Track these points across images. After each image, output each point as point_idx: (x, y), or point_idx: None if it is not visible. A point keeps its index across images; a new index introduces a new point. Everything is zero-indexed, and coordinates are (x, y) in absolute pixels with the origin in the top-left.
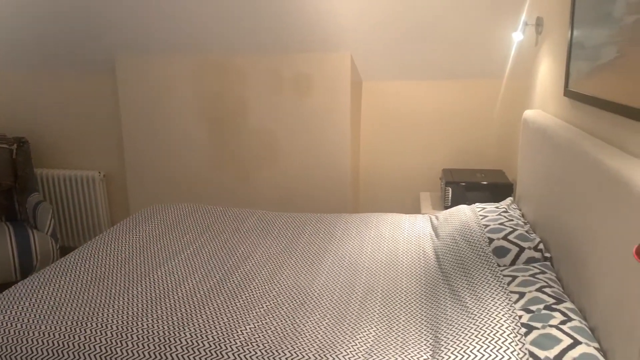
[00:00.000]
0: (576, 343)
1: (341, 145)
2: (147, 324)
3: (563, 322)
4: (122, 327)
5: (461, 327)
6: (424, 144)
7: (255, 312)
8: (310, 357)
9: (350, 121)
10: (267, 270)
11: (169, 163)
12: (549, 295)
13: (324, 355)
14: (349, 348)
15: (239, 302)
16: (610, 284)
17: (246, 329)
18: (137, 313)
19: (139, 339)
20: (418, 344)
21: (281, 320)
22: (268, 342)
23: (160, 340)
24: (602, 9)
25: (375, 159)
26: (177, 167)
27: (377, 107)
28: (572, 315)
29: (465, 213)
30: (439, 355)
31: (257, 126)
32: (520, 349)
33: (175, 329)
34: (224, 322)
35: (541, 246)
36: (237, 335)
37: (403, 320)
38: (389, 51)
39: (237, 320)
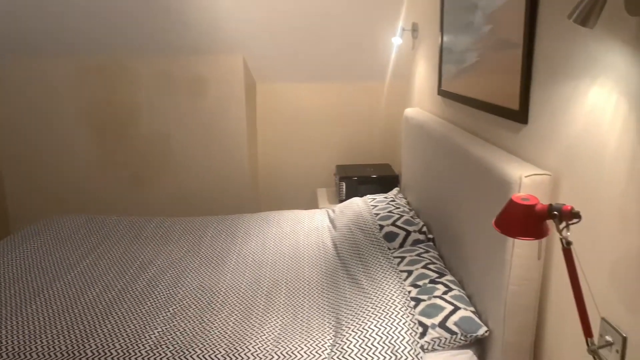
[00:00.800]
0: (456, 309)
1: (238, 146)
2: (46, 341)
3: (445, 293)
4: (17, 347)
5: (359, 307)
6: (318, 142)
7: (163, 316)
8: (220, 352)
9: (247, 122)
10: (170, 275)
11: (55, 172)
12: (433, 271)
13: (234, 348)
14: (258, 339)
15: (145, 308)
16: (481, 256)
17: (154, 333)
18: (34, 331)
19: (38, 356)
20: (322, 328)
21: (189, 321)
22: (178, 343)
23: (62, 356)
24: (464, 19)
25: (273, 159)
26: (64, 176)
27: (272, 108)
28: (452, 286)
29: (358, 204)
30: (341, 335)
31: (150, 130)
32: (410, 320)
33: (79, 341)
34: (130, 329)
35: (425, 229)
36: (146, 340)
37: (307, 308)
38: (281, 54)
39: (144, 326)
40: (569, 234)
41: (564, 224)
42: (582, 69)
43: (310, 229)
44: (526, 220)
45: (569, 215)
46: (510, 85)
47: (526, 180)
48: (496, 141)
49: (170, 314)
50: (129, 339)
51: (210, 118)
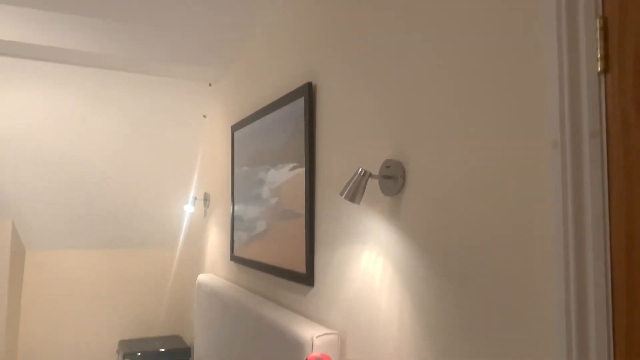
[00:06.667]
0: None
1: None
2: None
3: None
4: None
5: None
6: (98, 315)
7: None
8: None
9: (8, 296)
10: None
11: None
12: None
13: None
14: None
15: None
16: None
17: None
18: None
19: None
20: None
21: None
22: None
23: None
24: (253, 192)
25: (40, 335)
26: None
27: (44, 277)
28: None
29: None
30: None
31: None
32: None
33: None
34: None
35: None
36: None
37: None
38: (57, 220)
39: None
40: None
41: None
42: (354, 236)
43: None
44: None
45: None
46: (297, 250)
47: (317, 341)
48: (288, 304)
49: None
50: None
51: None
